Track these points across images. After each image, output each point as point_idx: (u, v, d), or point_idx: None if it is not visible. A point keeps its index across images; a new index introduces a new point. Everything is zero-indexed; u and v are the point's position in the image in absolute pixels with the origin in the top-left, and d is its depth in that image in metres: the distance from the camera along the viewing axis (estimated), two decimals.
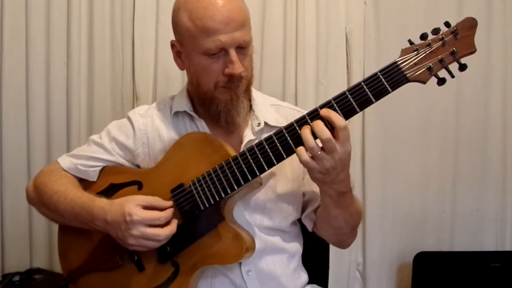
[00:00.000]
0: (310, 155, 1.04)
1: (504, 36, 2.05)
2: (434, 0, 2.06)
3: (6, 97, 1.96)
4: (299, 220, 1.34)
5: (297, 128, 1.08)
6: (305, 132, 1.04)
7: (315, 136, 1.03)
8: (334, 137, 1.02)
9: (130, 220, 1.09)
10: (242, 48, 1.17)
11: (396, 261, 2.14)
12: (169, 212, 1.14)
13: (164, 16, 1.96)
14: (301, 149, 1.04)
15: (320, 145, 1.03)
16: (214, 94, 1.20)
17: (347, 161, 1.06)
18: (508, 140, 2.11)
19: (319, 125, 1.03)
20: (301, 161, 1.05)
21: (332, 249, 1.56)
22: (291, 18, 2.01)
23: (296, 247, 1.32)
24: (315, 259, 1.37)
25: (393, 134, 2.10)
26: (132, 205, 1.11)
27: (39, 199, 1.28)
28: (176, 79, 1.97)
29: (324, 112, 1.05)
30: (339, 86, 2.04)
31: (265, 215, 1.25)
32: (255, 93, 1.31)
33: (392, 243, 2.12)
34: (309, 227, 1.29)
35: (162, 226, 1.12)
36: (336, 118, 1.03)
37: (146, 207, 1.12)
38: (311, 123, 1.05)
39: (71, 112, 1.98)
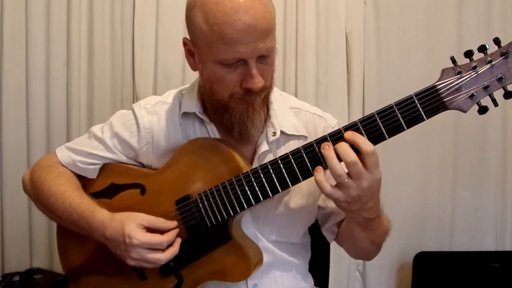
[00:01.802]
0: (332, 184, 0.96)
1: (504, 36, 2.04)
2: (434, 0, 2.06)
3: (6, 97, 1.97)
4: (310, 229, 1.28)
5: (317, 149, 0.98)
6: (330, 156, 0.94)
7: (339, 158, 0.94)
8: (361, 163, 0.93)
9: (129, 242, 1.03)
10: (264, 57, 1.02)
11: (396, 261, 2.14)
12: (171, 235, 1.06)
13: (164, 16, 1.97)
14: (321, 180, 0.95)
15: (346, 170, 0.93)
16: (229, 104, 1.07)
17: (377, 188, 0.96)
18: (507, 140, 2.12)
19: (343, 146, 0.93)
20: (325, 194, 0.96)
21: (333, 249, 1.55)
22: (291, 18, 2.01)
23: (305, 258, 1.27)
24: (315, 259, 1.36)
25: None
26: (133, 226, 1.04)
27: (36, 195, 1.21)
28: (176, 79, 1.97)
29: (349, 135, 0.94)
30: (339, 86, 2.05)
31: (275, 229, 1.18)
32: (273, 95, 1.16)
33: (392, 243, 2.09)
34: (330, 239, 1.22)
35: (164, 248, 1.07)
36: (363, 142, 0.93)
37: (148, 229, 1.06)
38: (333, 145, 0.95)
39: (71, 112, 1.98)
